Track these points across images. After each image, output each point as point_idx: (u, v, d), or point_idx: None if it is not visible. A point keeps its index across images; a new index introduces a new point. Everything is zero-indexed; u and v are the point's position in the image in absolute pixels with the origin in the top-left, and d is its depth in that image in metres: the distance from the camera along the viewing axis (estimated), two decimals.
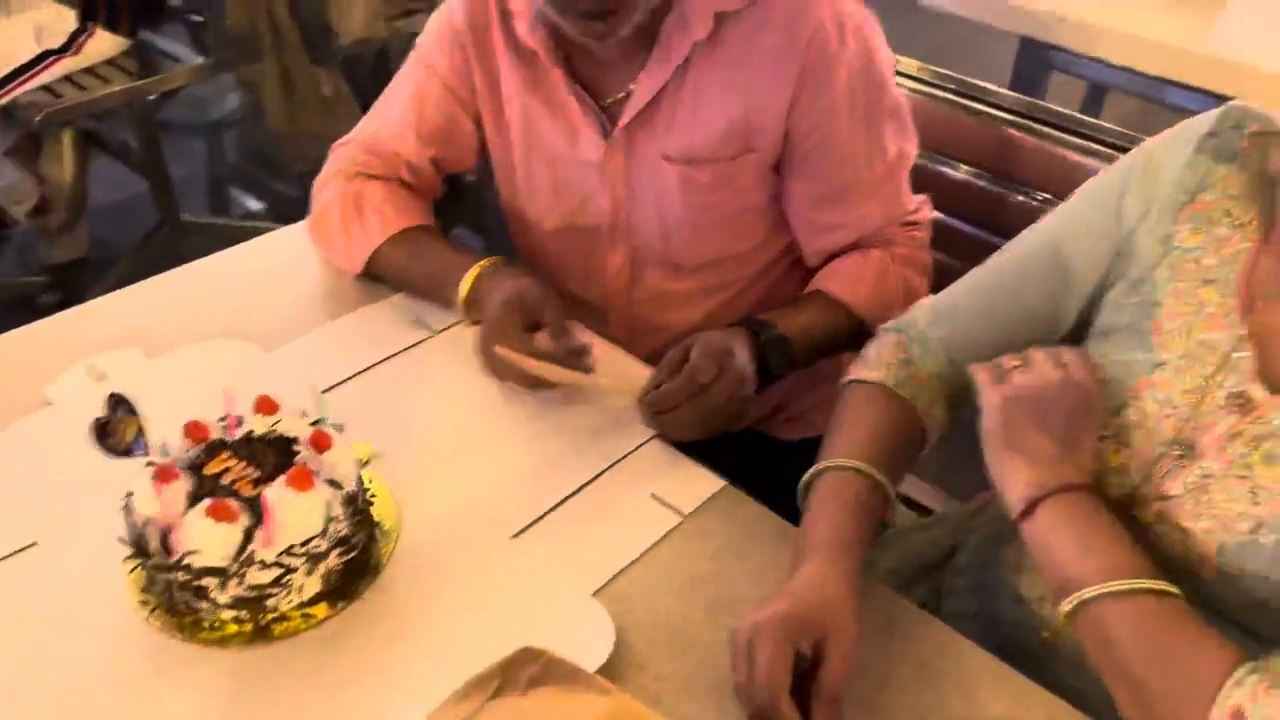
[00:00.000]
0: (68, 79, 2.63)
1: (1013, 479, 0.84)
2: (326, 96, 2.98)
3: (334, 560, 0.90)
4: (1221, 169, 0.88)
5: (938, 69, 1.43)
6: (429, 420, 1.11)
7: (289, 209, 3.09)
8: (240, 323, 1.23)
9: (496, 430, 1.09)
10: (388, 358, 1.19)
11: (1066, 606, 0.77)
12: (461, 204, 2.90)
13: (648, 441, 1.08)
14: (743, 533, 0.98)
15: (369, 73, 3.56)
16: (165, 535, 0.85)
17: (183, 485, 0.88)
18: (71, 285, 2.89)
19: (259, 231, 1.44)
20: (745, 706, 0.79)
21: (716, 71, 1.15)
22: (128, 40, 2.71)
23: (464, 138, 1.31)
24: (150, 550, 0.86)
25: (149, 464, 0.89)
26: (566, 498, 1.01)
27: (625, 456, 1.06)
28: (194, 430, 0.93)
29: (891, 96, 1.19)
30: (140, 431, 0.89)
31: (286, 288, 1.31)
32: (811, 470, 0.94)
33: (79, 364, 1.15)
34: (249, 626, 0.89)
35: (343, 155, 1.33)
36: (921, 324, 1.04)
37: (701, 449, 1.07)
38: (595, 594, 0.92)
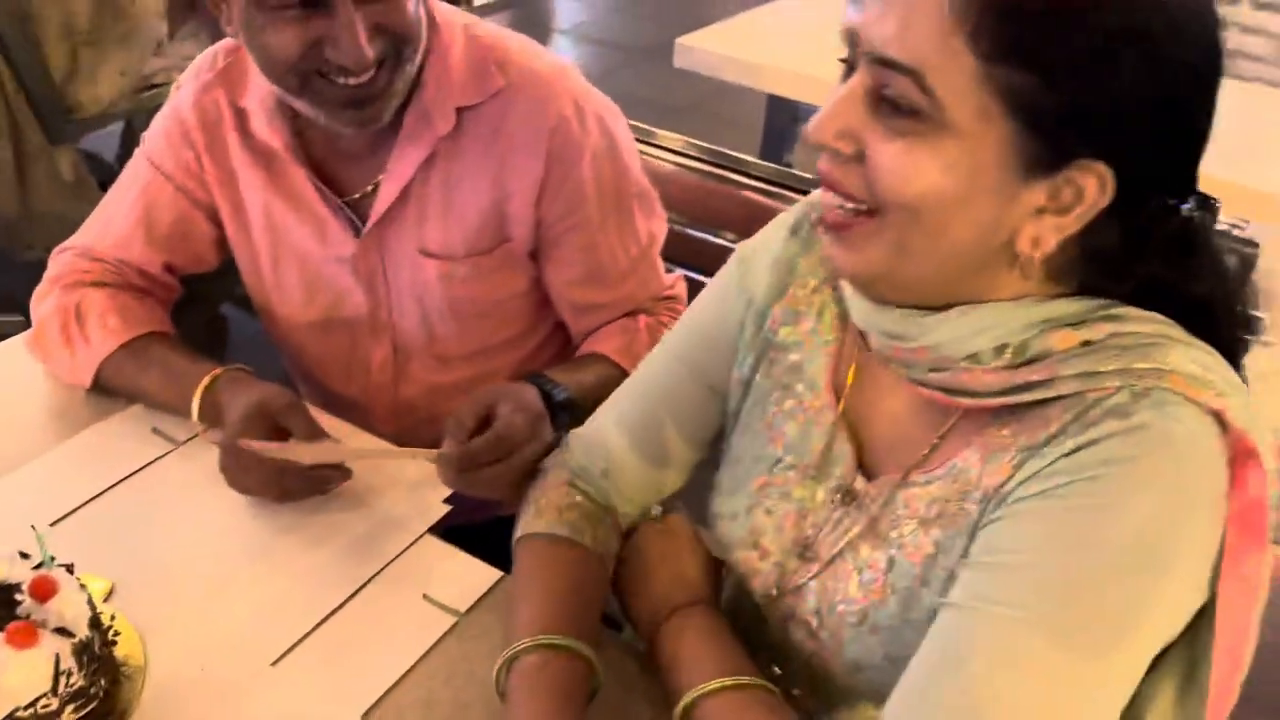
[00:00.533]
0: None
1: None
2: (67, 181, 2.80)
3: (70, 717, 0.82)
4: (805, 260, 0.88)
5: (696, 142, 1.46)
6: (174, 543, 1.03)
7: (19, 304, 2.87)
8: None
9: (250, 547, 1.03)
10: (125, 477, 1.10)
11: (678, 709, 0.83)
12: (227, 280, 2.77)
13: (419, 539, 1.04)
14: None
15: (115, 155, 3.39)
16: None
17: None
18: None
19: (5, 325, 1.32)
20: None
21: (464, 163, 1.14)
22: None
23: (200, 239, 1.25)
24: None
25: None
26: (330, 613, 0.96)
27: (395, 559, 1.02)
28: None
29: (636, 180, 1.21)
30: None
31: (6, 408, 1.20)
32: (504, 655, 0.84)
33: None
34: None
35: (63, 262, 1.24)
36: (580, 458, 0.99)
37: (470, 540, 1.04)
38: (365, 716, 0.87)
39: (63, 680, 0.80)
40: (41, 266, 1.26)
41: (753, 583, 0.89)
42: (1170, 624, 0.68)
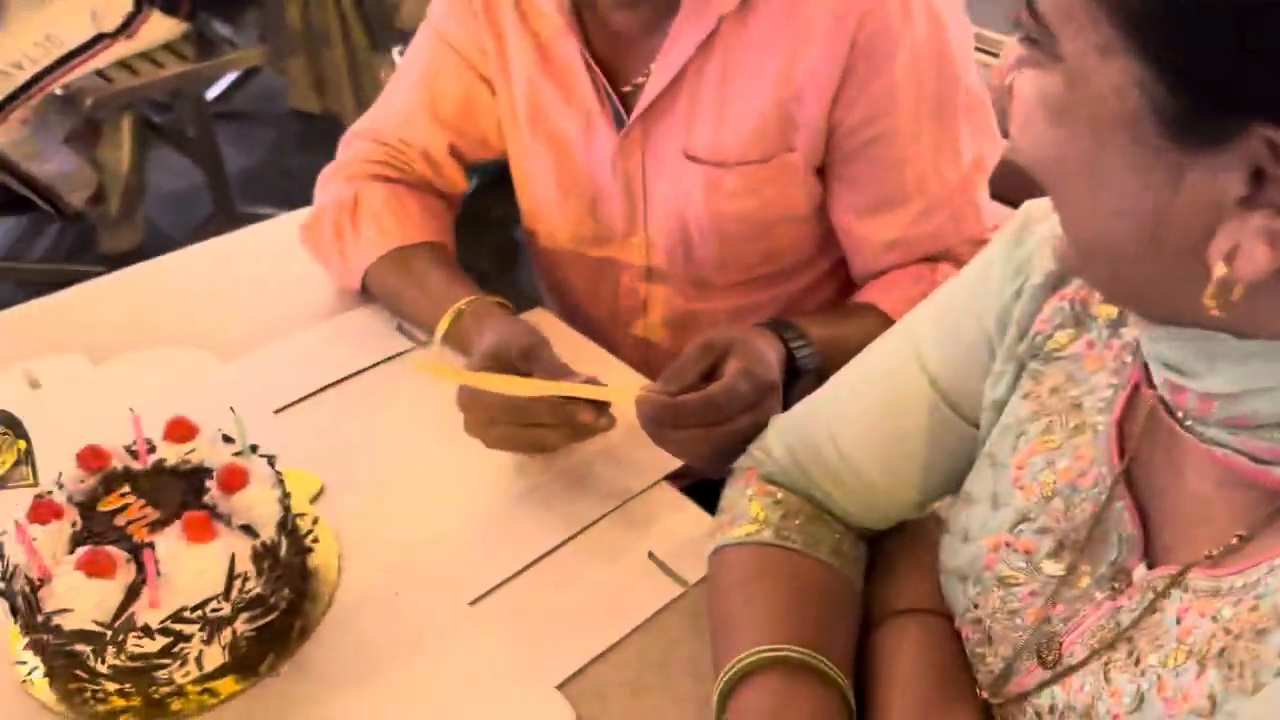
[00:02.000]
0: (122, 64, 2.55)
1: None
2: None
3: (242, 626, 0.73)
4: None
5: None
6: (390, 454, 0.93)
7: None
8: (200, 328, 1.08)
9: (468, 469, 0.91)
10: (357, 373, 1.02)
11: None
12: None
13: (652, 486, 0.89)
14: None
15: None
16: (35, 588, 0.69)
17: (64, 527, 0.72)
18: None
19: None
20: None
21: (748, 51, 0.95)
22: (185, 24, 2.61)
23: (486, 117, 1.11)
24: (18, 605, 0.70)
25: (38, 496, 0.74)
26: (540, 557, 0.83)
27: (620, 505, 0.87)
28: (90, 458, 0.77)
29: (967, 86, 0.97)
30: (23, 458, 0.74)
31: (253, 290, 1.15)
32: (733, 668, 0.65)
33: (14, 366, 1.01)
34: (138, 701, 0.73)
35: (349, 149, 1.15)
36: (781, 458, 0.77)
37: (705, 495, 0.88)
38: (561, 686, 0.73)
39: (237, 584, 0.71)
40: None
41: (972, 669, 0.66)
42: None
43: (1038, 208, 0.64)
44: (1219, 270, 0.44)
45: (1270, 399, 0.47)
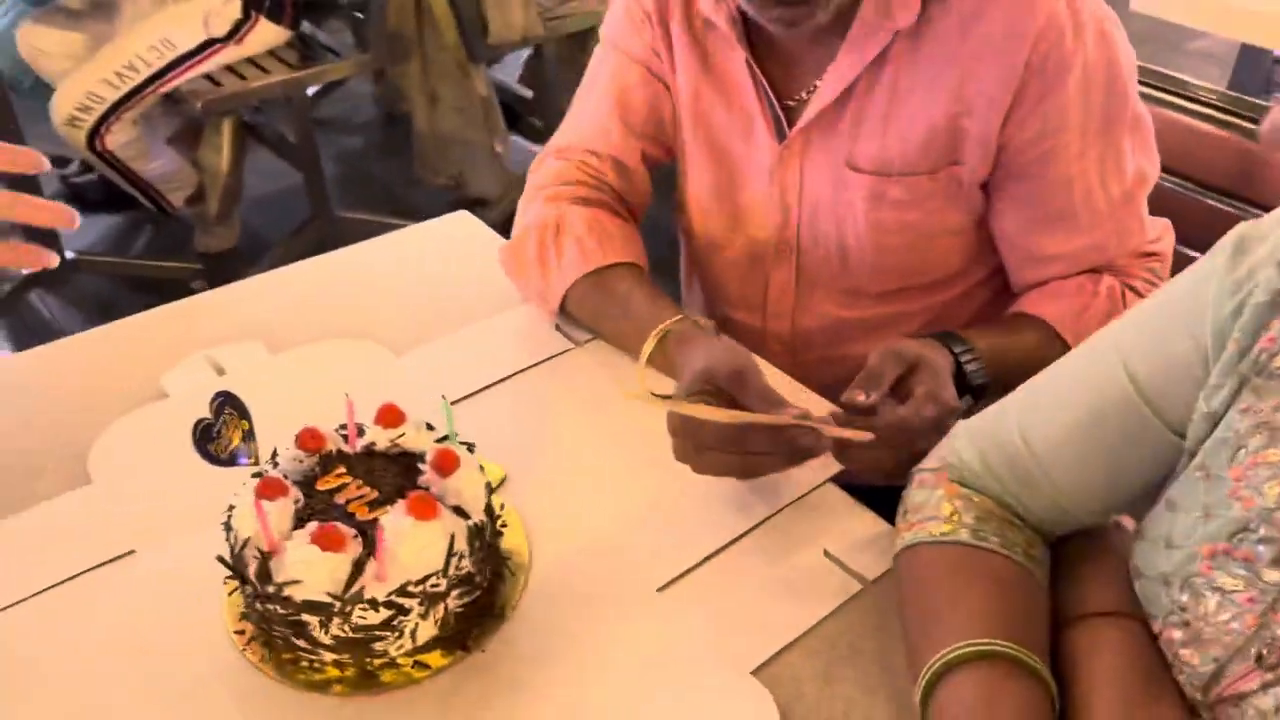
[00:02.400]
0: (229, 68, 2.63)
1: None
2: (483, 97, 2.91)
3: (454, 602, 0.77)
4: None
5: (1186, 79, 1.22)
6: (567, 444, 0.97)
7: (441, 209, 3.03)
8: (369, 322, 1.13)
9: (644, 460, 0.94)
10: (524, 369, 1.06)
11: None
12: None
13: (819, 486, 0.92)
14: None
15: (521, 77, 3.49)
16: (265, 560, 0.74)
17: (289, 503, 0.76)
18: (222, 274, 2.89)
19: None
20: None
21: (920, 67, 0.99)
22: (289, 32, 2.69)
23: (669, 123, 1.15)
24: (247, 576, 0.75)
25: (256, 475, 0.79)
26: (722, 547, 0.86)
27: (793, 502, 0.90)
28: (309, 439, 0.82)
29: (1133, 104, 1.00)
30: (247, 436, 0.79)
31: (421, 286, 1.20)
32: (938, 662, 0.67)
33: (196, 355, 1.06)
34: (352, 672, 0.77)
35: (545, 170, 1.17)
36: (973, 463, 0.79)
37: (871, 501, 0.91)
38: (754, 673, 0.76)
39: (453, 562, 0.75)
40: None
41: (1172, 671, 0.68)
42: None
43: (1253, 229, 0.67)
44: None
45: None
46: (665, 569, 0.84)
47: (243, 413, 0.80)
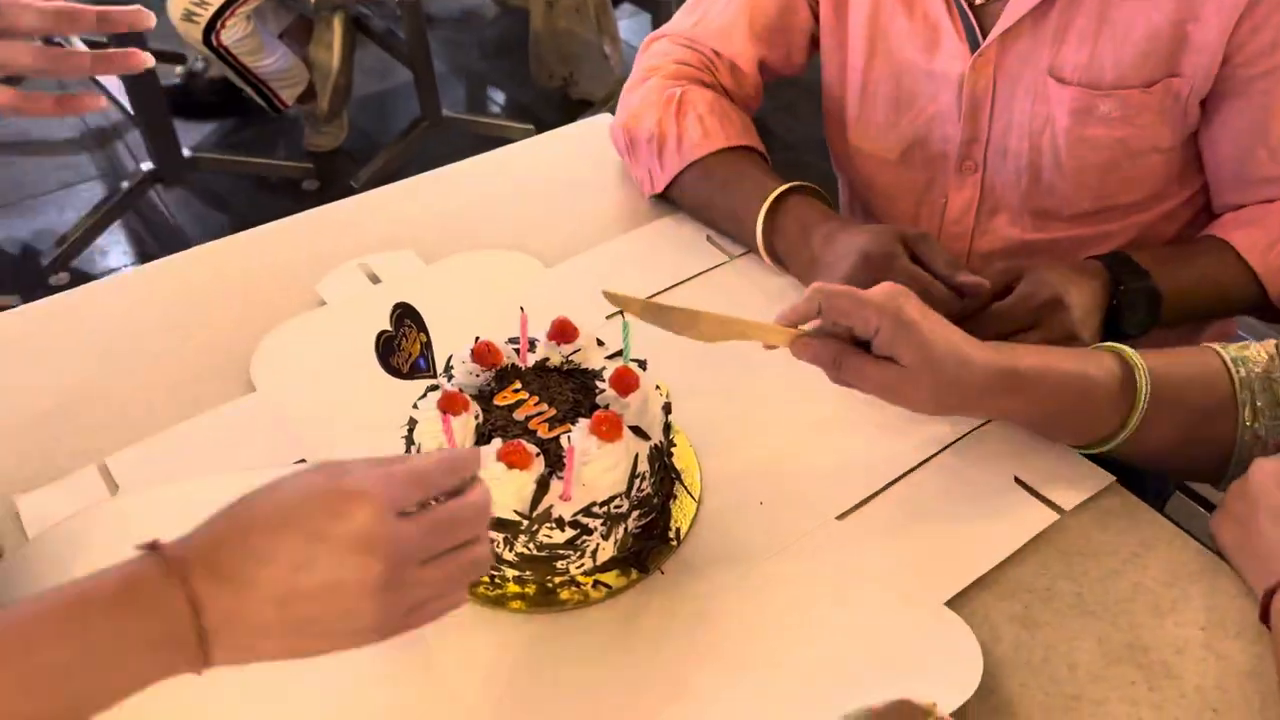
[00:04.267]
0: None
1: None
2: None
3: (633, 523, 0.76)
4: None
5: None
6: (728, 367, 0.94)
7: (550, 109, 2.99)
8: (518, 231, 1.10)
9: (813, 380, 0.91)
10: (678, 284, 1.03)
11: None
12: None
13: None
14: (1143, 550, 0.77)
15: None
16: None
17: (470, 418, 0.75)
18: (331, 173, 2.90)
19: (518, 132, 1.31)
20: None
21: None
22: None
23: (798, 31, 1.10)
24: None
25: (432, 388, 0.77)
26: (904, 474, 0.83)
27: (980, 426, 0.86)
28: (485, 354, 0.80)
29: None
30: (425, 349, 0.77)
31: (568, 195, 1.17)
32: None
33: (350, 262, 1.05)
34: (532, 589, 0.76)
35: (658, 51, 1.14)
36: None
37: None
38: (949, 604, 0.74)
39: (637, 483, 0.73)
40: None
41: None
42: None
43: None
44: None
45: None
46: (843, 496, 0.82)
47: (420, 325, 0.78)
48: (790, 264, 1.01)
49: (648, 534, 0.78)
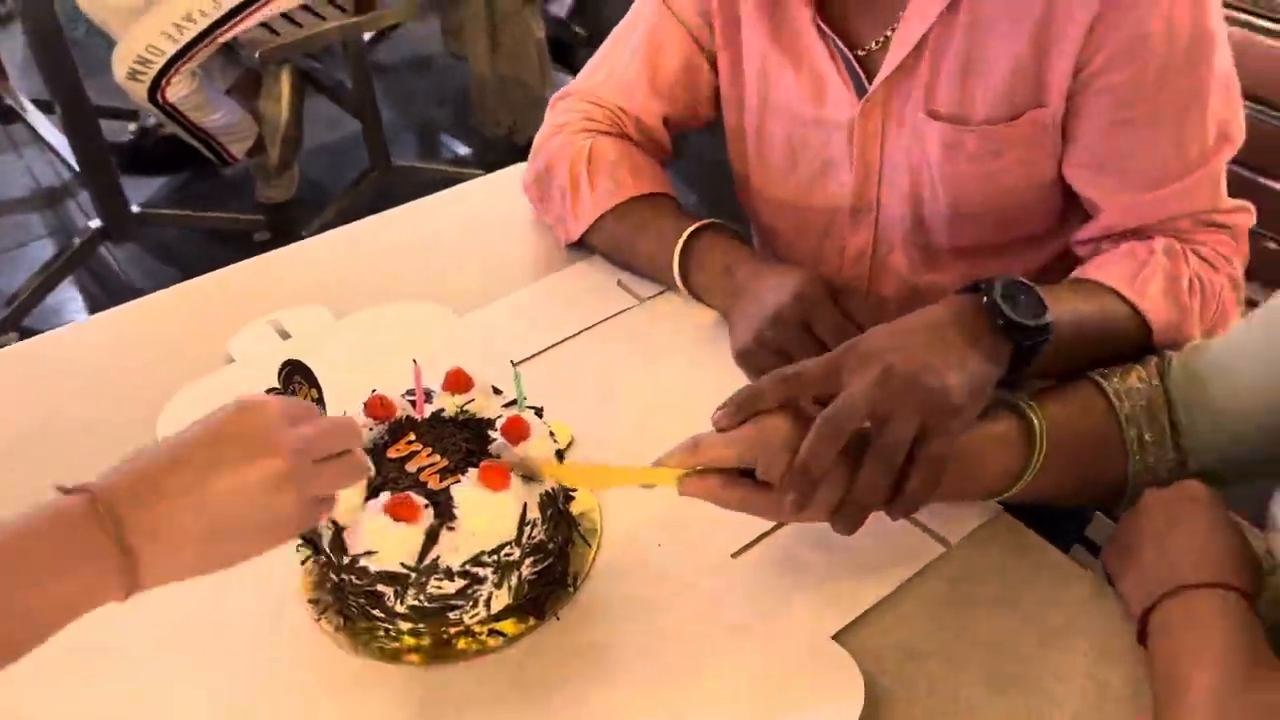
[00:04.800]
0: (285, 16, 2.62)
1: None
2: (538, 39, 2.87)
3: (527, 570, 0.76)
4: None
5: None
6: (633, 405, 0.95)
7: (497, 156, 3.01)
8: (431, 281, 1.11)
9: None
10: (589, 327, 1.04)
11: None
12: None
13: None
14: (1031, 579, 0.79)
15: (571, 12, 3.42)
16: (339, 531, 0.73)
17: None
18: (283, 224, 2.91)
19: (467, 178, 1.32)
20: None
21: (998, 6, 0.92)
22: None
23: (702, 89, 1.13)
24: (321, 547, 0.74)
25: None
26: None
27: None
28: (378, 407, 0.81)
29: (1224, 57, 0.92)
30: (317, 404, 0.78)
31: (481, 243, 1.19)
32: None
33: (260, 319, 1.05)
34: (427, 640, 0.76)
35: (565, 107, 1.17)
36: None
37: None
38: (834, 637, 0.75)
39: (527, 530, 0.74)
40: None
41: None
42: None
43: None
44: None
45: None
46: (739, 534, 0.83)
47: (311, 381, 0.79)
48: (711, 297, 1.03)
49: (545, 580, 0.78)
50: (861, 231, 1.08)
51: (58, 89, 2.57)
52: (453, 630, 0.76)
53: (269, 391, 0.76)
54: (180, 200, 3.05)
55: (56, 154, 2.84)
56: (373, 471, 0.71)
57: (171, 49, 2.52)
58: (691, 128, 1.17)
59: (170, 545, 0.57)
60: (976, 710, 0.70)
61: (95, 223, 2.72)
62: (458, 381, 0.82)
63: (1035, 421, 0.80)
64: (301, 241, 1.19)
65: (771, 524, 0.83)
